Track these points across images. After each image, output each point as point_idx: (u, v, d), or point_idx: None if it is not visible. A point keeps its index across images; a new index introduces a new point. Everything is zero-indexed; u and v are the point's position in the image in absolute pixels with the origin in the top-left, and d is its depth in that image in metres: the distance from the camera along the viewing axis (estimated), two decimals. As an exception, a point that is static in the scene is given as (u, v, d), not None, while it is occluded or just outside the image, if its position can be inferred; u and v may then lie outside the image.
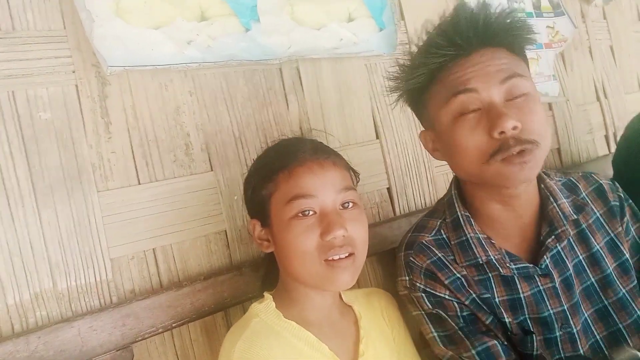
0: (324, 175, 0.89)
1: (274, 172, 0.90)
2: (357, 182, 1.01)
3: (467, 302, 0.96)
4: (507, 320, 0.95)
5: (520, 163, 0.85)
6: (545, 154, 0.89)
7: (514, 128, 0.84)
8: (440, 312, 0.96)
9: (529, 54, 1.73)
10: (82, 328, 0.88)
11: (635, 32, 2.31)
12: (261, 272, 1.06)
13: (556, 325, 0.94)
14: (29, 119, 0.93)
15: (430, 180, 1.45)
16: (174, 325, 0.97)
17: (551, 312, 0.94)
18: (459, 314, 0.96)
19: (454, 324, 0.96)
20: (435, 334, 0.98)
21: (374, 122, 1.38)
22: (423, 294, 0.98)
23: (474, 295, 0.96)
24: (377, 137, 1.38)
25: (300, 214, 0.86)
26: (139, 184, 1.02)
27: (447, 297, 0.96)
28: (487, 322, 0.95)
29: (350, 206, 0.91)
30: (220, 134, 1.12)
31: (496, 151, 0.85)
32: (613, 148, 1.98)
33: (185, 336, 1.03)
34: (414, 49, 0.97)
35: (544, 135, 0.88)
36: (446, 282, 0.96)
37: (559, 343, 0.94)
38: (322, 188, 0.87)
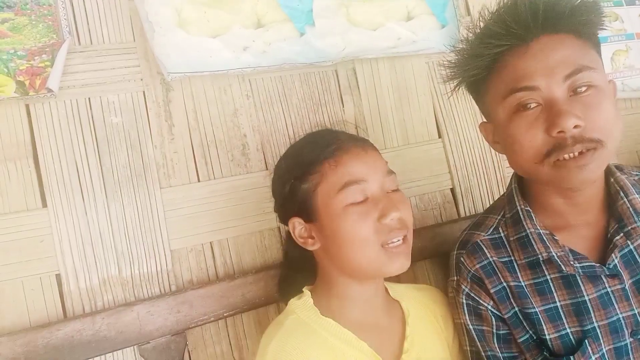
0: (370, 160, 0.89)
1: (318, 163, 0.89)
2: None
3: (507, 316, 0.91)
4: (548, 336, 0.88)
5: (578, 167, 0.79)
6: (611, 153, 0.82)
7: (576, 127, 0.77)
8: (476, 326, 0.94)
9: (618, 45, 1.61)
10: (141, 312, 0.96)
11: None
12: (281, 274, 1.05)
13: (626, 332, 0.86)
14: (102, 123, 1.04)
15: (500, 180, 1.38)
16: (225, 314, 1.02)
17: (620, 316, 0.86)
18: (494, 331, 0.92)
19: (485, 345, 0.94)
20: (468, 348, 0.97)
21: (436, 121, 1.34)
22: (465, 300, 0.95)
23: (516, 309, 0.91)
24: (440, 136, 1.34)
25: (355, 201, 0.86)
26: (199, 181, 1.09)
27: (489, 308, 0.93)
28: (521, 341, 0.91)
29: (395, 190, 0.91)
30: (275, 135, 1.17)
31: (551, 150, 0.80)
32: None
33: (239, 326, 1.07)
34: (472, 37, 0.90)
35: (611, 134, 0.80)
36: (492, 290, 0.92)
37: (630, 351, 0.86)
38: (370, 172, 0.88)
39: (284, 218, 0.96)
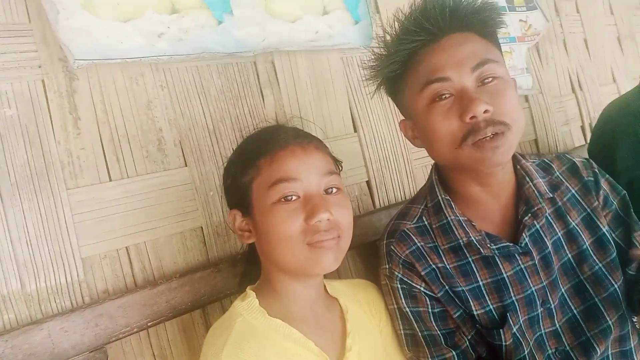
0: (308, 159, 0.87)
1: (256, 157, 0.88)
2: (340, 170, 0.99)
3: (440, 295, 0.97)
4: (475, 312, 0.95)
5: (493, 148, 0.87)
6: (517, 137, 0.91)
7: (485, 112, 0.86)
8: (412, 308, 0.98)
9: (503, 47, 1.75)
10: (53, 330, 0.85)
11: (608, 25, 2.34)
12: (240, 269, 1.04)
13: (538, 302, 0.96)
14: (-7, 115, 0.89)
15: (410, 172, 1.45)
16: (149, 324, 0.94)
17: (533, 289, 0.96)
18: (430, 310, 0.97)
19: (422, 325, 0.98)
20: (402, 332, 1.00)
21: (352, 115, 1.37)
22: (399, 285, 0.99)
23: (447, 287, 0.97)
24: (355, 131, 1.37)
25: (284, 199, 0.84)
26: (110, 180, 0.99)
27: (422, 290, 0.97)
28: (456, 316, 0.97)
29: (334, 191, 0.90)
30: (193, 129, 1.10)
31: (467, 134, 0.87)
32: (589, 138, 2.00)
33: (163, 335, 1.00)
34: (388, 38, 0.98)
35: (516, 119, 0.90)
36: (422, 273, 0.97)
37: (540, 320, 0.96)
38: (305, 172, 0.86)
39: (229, 207, 0.95)
